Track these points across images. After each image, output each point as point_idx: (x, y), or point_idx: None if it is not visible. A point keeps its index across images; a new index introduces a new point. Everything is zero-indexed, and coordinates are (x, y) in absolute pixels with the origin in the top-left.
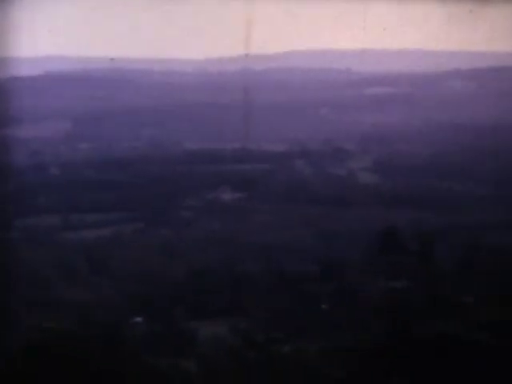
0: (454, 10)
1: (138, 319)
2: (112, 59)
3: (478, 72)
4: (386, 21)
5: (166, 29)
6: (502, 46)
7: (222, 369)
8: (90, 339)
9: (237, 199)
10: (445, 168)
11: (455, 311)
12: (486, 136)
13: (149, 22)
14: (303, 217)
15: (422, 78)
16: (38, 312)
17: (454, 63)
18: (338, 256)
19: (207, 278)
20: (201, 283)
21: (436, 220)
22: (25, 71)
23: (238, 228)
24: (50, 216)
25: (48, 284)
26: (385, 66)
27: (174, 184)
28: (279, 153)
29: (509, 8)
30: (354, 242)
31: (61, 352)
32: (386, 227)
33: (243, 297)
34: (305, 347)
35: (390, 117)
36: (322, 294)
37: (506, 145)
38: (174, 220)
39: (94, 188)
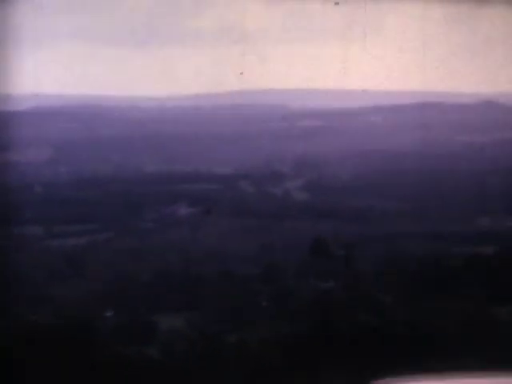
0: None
1: (109, 313)
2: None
3: (398, 107)
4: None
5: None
6: (415, 85)
7: (179, 355)
8: (66, 330)
9: (191, 213)
10: (366, 187)
11: (374, 307)
12: (406, 161)
13: (131, 62)
14: (247, 228)
15: (348, 112)
16: (24, 306)
17: (377, 100)
18: (275, 261)
19: (167, 279)
20: (162, 283)
21: (357, 231)
22: (13, 106)
23: (192, 237)
24: (34, 227)
25: (33, 282)
26: (318, 102)
27: (138, 200)
28: (226, 175)
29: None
30: (289, 248)
31: (42, 342)
32: (316, 236)
33: (197, 295)
34: (248, 336)
35: (319, 145)
36: (262, 292)
37: (425, 168)
38: (139, 230)
39: (72, 203)
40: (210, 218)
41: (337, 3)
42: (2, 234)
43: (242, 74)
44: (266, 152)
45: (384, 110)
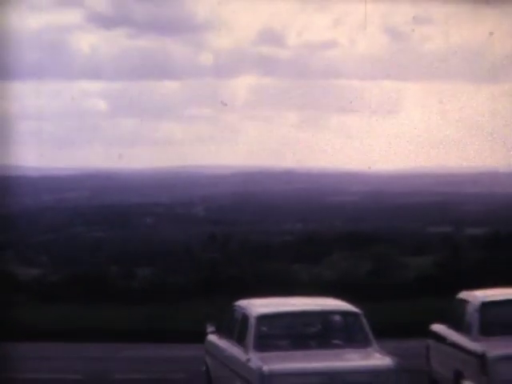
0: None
1: None
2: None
3: None
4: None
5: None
6: None
7: None
8: None
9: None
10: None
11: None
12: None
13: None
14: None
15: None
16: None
17: None
18: (193, 243)
19: None
20: None
21: (233, 231)
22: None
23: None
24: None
25: None
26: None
27: None
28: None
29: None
30: (198, 238)
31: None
32: (210, 233)
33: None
34: None
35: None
36: (184, 260)
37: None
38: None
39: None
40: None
41: None
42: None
43: None
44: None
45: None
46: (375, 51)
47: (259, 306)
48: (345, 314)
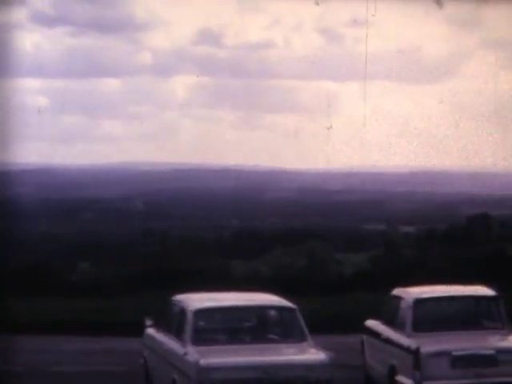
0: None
1: None
2: None
3: None
4: None
5: None
6: None
7: None
8: None
9: None
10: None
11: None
12: None
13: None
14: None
15: None
16: None
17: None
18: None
19: None
20: None
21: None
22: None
23: None
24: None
25: None
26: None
27: None
28: None
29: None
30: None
31: None
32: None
33: None
34: None
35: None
36: None
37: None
38: None
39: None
40: None
41: None
42: None
43: None
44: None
45: None
46: (310, 52)
47: (197, 300)
48: (280, 309)
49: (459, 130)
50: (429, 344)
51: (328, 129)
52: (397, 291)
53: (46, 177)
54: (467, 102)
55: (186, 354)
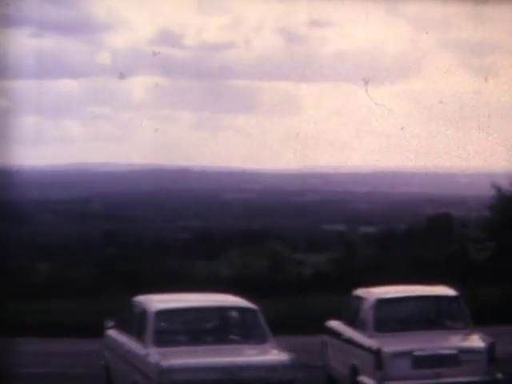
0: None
1: None
2: None
3: None
4: None
5: None
6: None
7: None
8: None
9: None
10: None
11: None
12: None
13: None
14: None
15: None
16: None
17: None
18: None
19: None
20: None
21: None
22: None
23: None
24: None
25: None
26: None
27: None
28: None
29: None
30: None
31: None
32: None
33: None
34: None
35: None
36: None
37: None
38: None
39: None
40: None
41: None
42: None
43: None
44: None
45: None
46: (271, 52)
47: (158, 301)
48: (242, 310)
49: (419, 130)
50: (390, 344)
51: (289, 129)
52: (358, 291)
53: (2, 178)
54: (428, 102)
55: (147, 355)
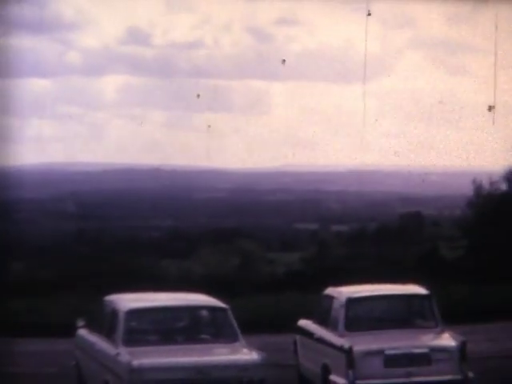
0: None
1: None
2: None
3: None
4: None
5: None
6: None
7: None
8: None
9: None
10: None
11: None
12: None
13: None
14: None
15: None
16: None
17: None
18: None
19: None
20: None
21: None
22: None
23: None
24: None
25: None
26: None
27: None
28: None
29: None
30: None
31: None
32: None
33: None
34: None
35: None
36: None
37: None
38: None
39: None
40: None
41: None
42: None
43: None
44: None
45: None
46: (240, 51)
47: (128, 300)
48: (212, 309)
49: (391, 128)
50: (362, 343)
51: (258, 128)
52: (329, 290)
53: None
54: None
55: (118, 354)
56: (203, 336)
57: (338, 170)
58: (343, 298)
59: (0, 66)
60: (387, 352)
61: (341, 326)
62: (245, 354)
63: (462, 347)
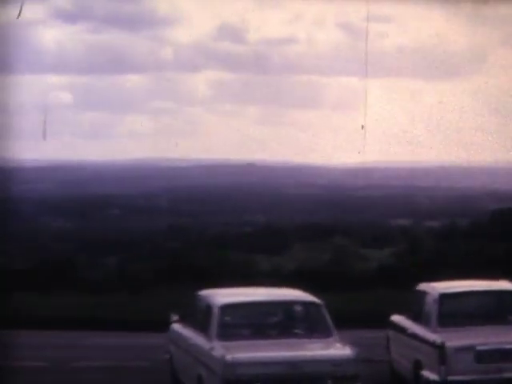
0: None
1: None
2: None
3: None
4: None
5: None
6: None
7: None
8: None
9: None
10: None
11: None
12: None
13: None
14: None
15: None
16: None
17: None
18: None
19: None
20: None
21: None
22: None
23: None
24: None
25: None
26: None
27: None
28: None
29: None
30: None
31: None
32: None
33: None
34: None
35: None
36: None
37: None
38: None
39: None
40: None
41: None
42: None
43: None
44: None
45: None
46: (333, 47)
47: (222, 295)
48: (306, 304)
49: (480, 125)
50: (454, 339)
51: (352, 124)
52: (422, 286)
53: (68, 173)
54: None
55: (212, 349)
56: (297, 331)
57: (427, 166)
58: (436, 294)
59: (91, 62)
60: (479, 348)
61: (433, 321)
62: (338, 350)
63: None
